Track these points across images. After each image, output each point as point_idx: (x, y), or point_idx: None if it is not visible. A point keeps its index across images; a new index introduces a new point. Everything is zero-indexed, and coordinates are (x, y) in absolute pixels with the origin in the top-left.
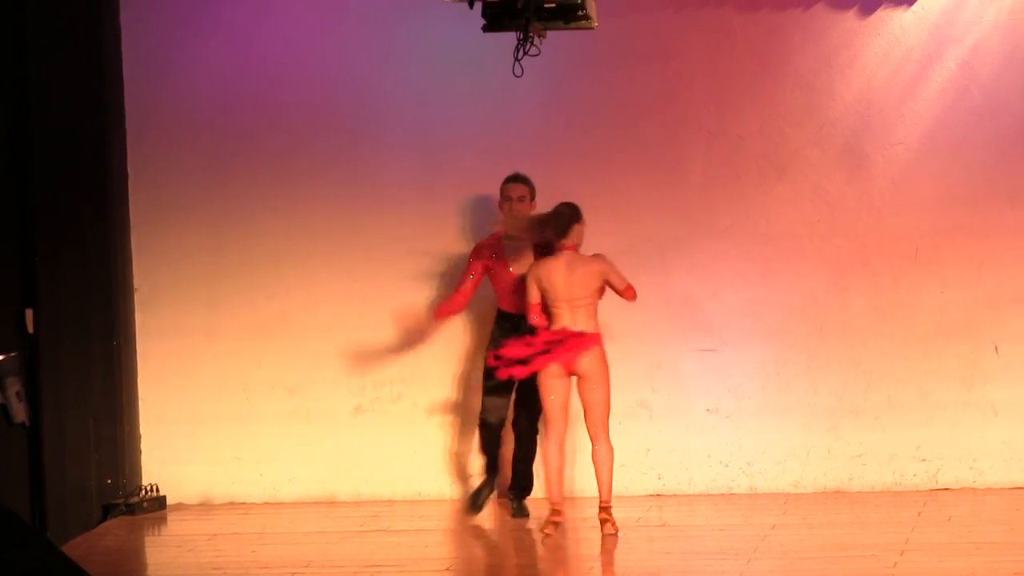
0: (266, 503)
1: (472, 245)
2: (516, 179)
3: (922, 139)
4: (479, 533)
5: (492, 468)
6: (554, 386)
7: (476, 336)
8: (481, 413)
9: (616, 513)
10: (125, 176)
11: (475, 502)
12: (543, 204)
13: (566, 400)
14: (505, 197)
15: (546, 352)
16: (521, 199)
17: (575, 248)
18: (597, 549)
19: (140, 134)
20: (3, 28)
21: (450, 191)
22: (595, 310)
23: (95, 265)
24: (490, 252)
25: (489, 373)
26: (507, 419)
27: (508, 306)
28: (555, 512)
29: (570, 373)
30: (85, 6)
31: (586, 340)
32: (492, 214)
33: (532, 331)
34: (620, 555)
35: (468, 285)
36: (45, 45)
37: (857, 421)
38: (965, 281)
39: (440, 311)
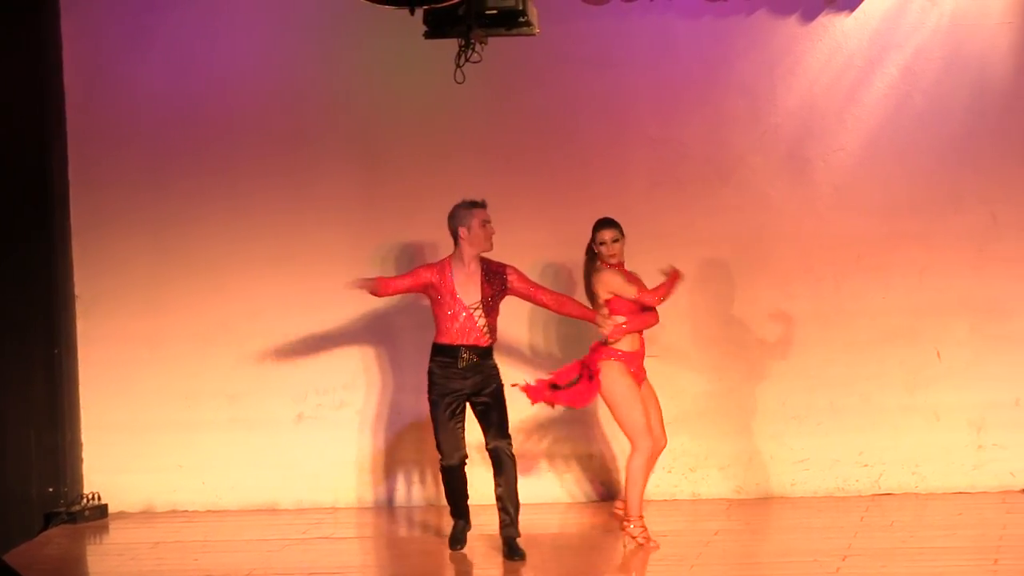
0: (208, 511)
1: (415, 250)
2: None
3: (864, 145)
4: (420, 541)
5: (463, 512)
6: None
7: (418, 343)
8: (441, 459)
9: (558, 519)
10: (66, 183)
11: (456, 544)
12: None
13: None
14: (485, 221)
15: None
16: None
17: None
18: (537, 557)
19: (82, 141)
20: None
21: (392, 198)
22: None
23: (36, 272)
24: (438, 276)
25: (437, 411)
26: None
27: (448, 339)
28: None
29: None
30: (26, 13)
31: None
32: (433, 220)
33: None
34: (561, 561)
35: (402, 282)
36: None
37: (800, 427)
38: (908, 286)
39: (376, 285)
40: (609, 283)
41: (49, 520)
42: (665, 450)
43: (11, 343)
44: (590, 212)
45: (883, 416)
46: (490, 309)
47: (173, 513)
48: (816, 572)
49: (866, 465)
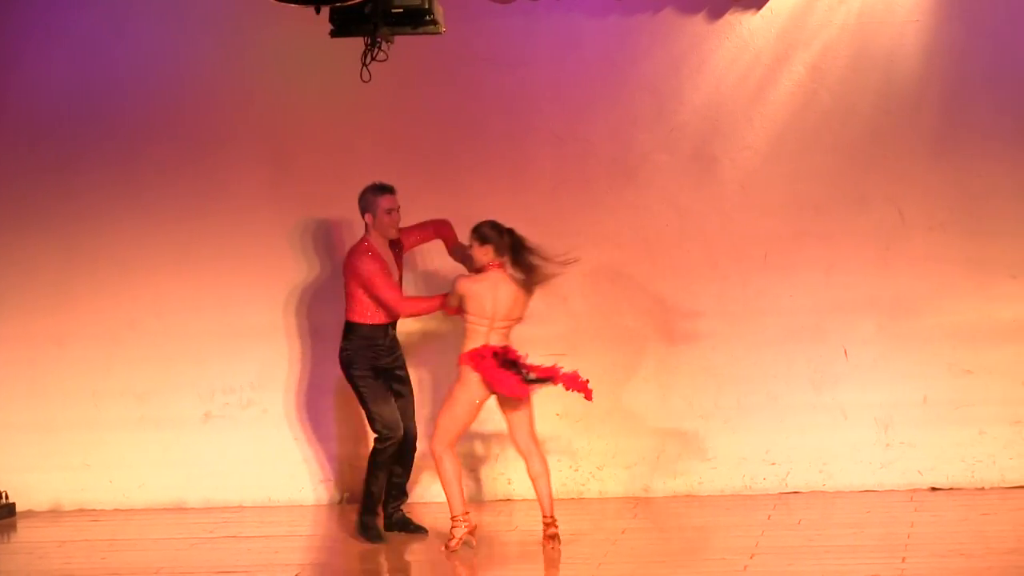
0: (116, 509)
1: (322, 248)
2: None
3: (771, 143)
4: (327, 539)
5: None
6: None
7: (324, 341)
8: (383, 431)
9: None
10: None
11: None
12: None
13: None
14: (392, 209)
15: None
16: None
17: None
18: (445, 555)
19: None
20: None
21: (298, 196)
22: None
23: None
24: (382, 258)
25: (366, 385)
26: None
27: (381, 318)
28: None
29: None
30: None
31: None
32: (339, 217)
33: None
34: (467, 561)
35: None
36: None
37: (707, 425)
38: (814, 285)
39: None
40: None
41: None
42: (573, 448)
43: None
44: (495, 210)
45: (790, 414)
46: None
47: (81, 512)
48: (723, 570)
49: (773, 463)
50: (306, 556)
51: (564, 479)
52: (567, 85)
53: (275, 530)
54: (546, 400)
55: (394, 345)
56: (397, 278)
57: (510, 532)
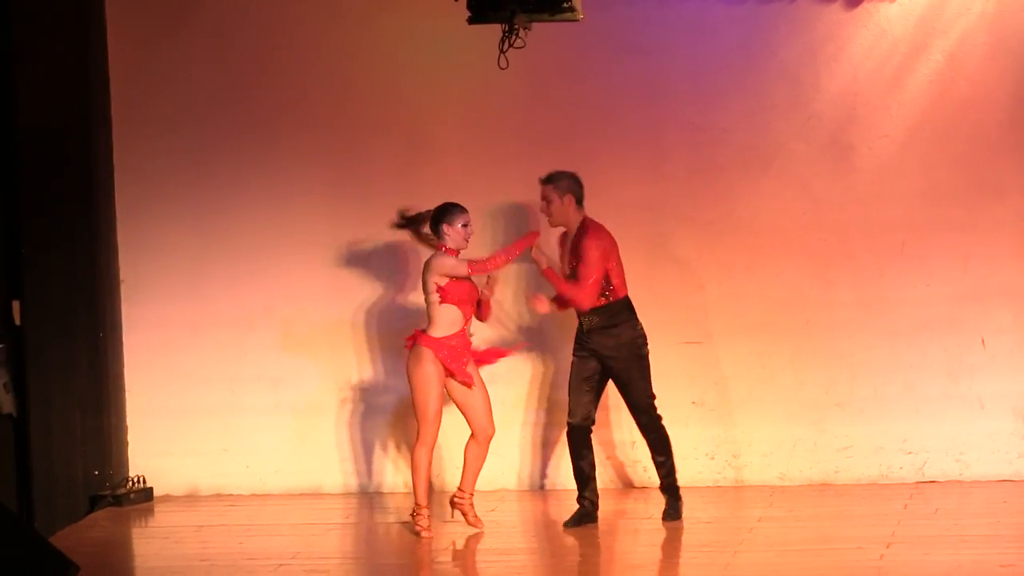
0: (253, 495)
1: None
2: (542, 180)
3: (908, 131)
4: (462, 524)
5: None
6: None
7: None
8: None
9: (603, 505)
10: (111, 169)
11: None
12: (524, 199)
13: None
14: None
15: None
16: (546, 201)
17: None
18: (585, 542)
19: (126, 128)
20: None
21: (432, 183)
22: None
23: (81, 257)
24: None
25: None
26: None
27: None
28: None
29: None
30: (71, 0)
31: None
32: (475, 204)
33: None
34: (607, 547)
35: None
36: (31, 40)
37: (843, 414)
38: (951, 274)
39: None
40: (441, 267)
41: (94, 503)
42: (709, 436)
43: (56, 328)
44: (630, 198)
45: (926, 404)
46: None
47: (218, 497)
48: (859, 560)
49: (910, 452)
50: (441, 541)
51: (700, 467)
52: (703, 73)
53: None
54: (682, 390)
55: None
56: None
57: (644, 520)
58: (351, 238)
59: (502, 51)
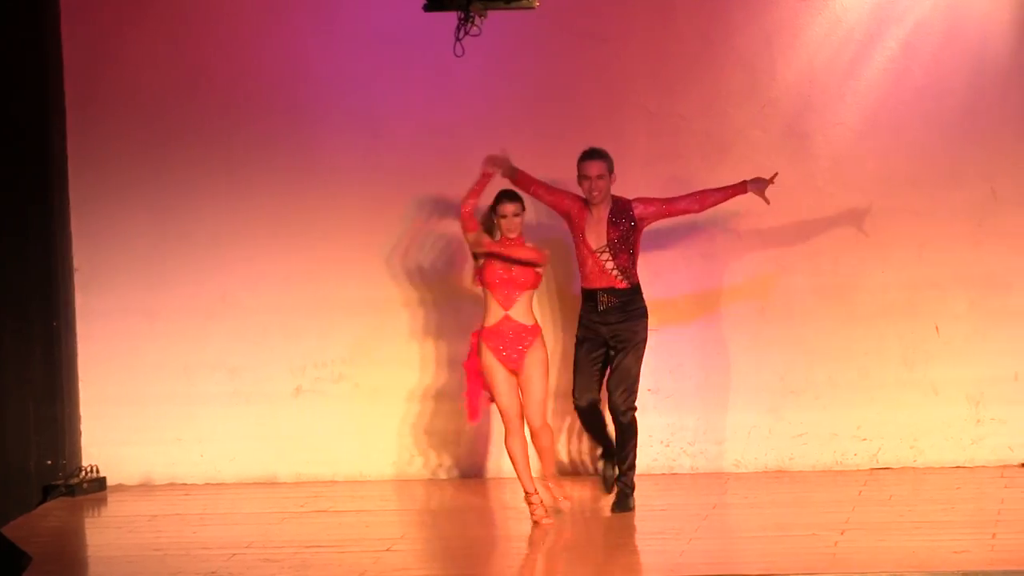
0: (207, 484)
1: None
2: (593, 155)
3: (864, 119)
4: (420, 513)
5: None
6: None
7: (417, 318)
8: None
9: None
10: (65, 158)
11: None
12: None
13: None
14: (583, 176)
15: None
16: (600, 177)
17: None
18: (537, 529)
19: (80, 116)
20: None
21: (392, 170)
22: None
23: (35, 246)
24: (577, 211)
25: (576, 351)
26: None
27: (585, 283)
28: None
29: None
30: None
31: None
32: (435, 191)
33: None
34: (557, 535)
35: (544, 189)
36: None
37: (798, 401)
38: (906, 261)
39: (516, 173)
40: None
41: (47, 493)
42: (664, 424)
43: (10, 316)
44: None
45: (881, 390)
46: (618, 251)
47: (172, 486)
48: (814, 546)
49: (864, 439)
50: (398, 530)
51: (655, 454)
52: (660, 60)
53: (366, 504)
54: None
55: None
56: (603, 243)
57: (599, 507)
58: (309, 226)
59: (458, 39)
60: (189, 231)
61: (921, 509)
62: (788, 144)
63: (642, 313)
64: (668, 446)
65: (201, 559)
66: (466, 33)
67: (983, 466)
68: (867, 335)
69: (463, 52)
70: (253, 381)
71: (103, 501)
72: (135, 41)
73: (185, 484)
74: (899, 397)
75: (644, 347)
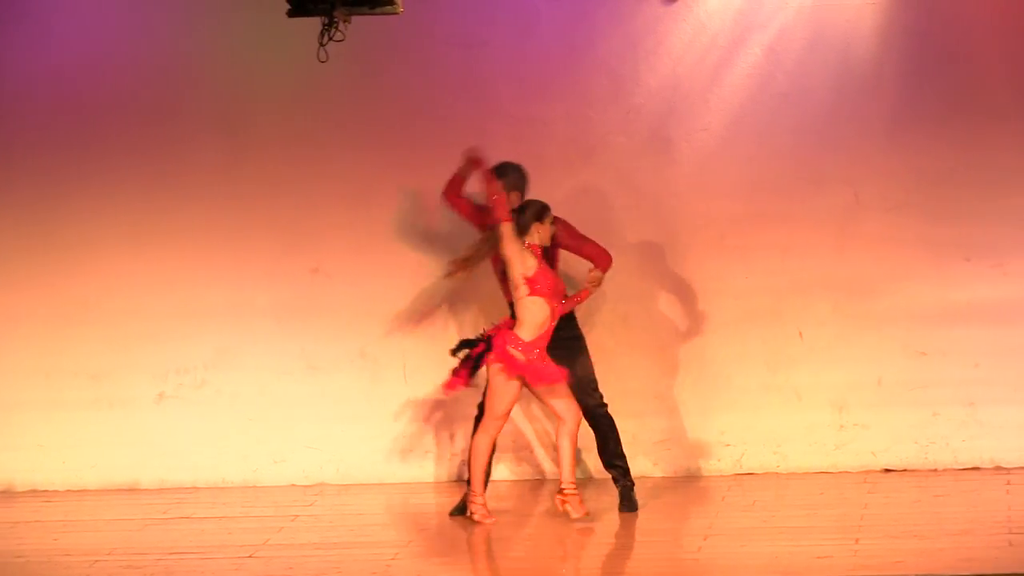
0: (69, 490)
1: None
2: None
3: (727, 125)
4: (281, 519)
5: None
6: None
7: (281, 321)
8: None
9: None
10: None
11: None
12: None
13: None
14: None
15: None
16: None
17: None
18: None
19: None
20: None
21: (254, 174)
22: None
23: None
24: None
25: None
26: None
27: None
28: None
29: None
30: None
31: None
32: (295, 198)
33: None
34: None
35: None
36: None
37: (661, 406)
38: (769, 266)
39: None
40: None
41: None
42: (520, 433)
43: None
44: None
45: (745, 396)
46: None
47: (33, 493)
48: (677, 552)
49: (728, 445)
50: (259, 537)
51: (518, 462)
52: (524, 65)
53: (228, 511)
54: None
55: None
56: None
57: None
58: (170, 230)
59: (322, 44)
60: (48, 234)
61: (784, 514)
62: (652, 150)
63: (568, 317)
64: (532, 452)
65: (63, 566)
66: (330, 38)
67: (846, 471)
68: (731, 340)
69: (327, 58)
70: (115, 387)
71: None
72: None
73: (47, 491)
74: (763, 402)
75: (583, 342)
